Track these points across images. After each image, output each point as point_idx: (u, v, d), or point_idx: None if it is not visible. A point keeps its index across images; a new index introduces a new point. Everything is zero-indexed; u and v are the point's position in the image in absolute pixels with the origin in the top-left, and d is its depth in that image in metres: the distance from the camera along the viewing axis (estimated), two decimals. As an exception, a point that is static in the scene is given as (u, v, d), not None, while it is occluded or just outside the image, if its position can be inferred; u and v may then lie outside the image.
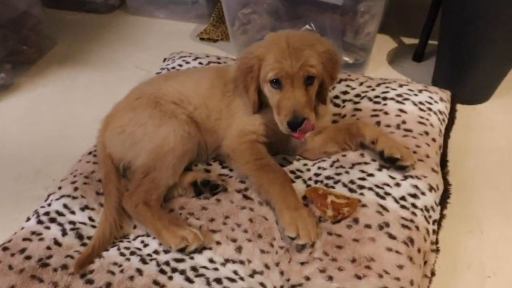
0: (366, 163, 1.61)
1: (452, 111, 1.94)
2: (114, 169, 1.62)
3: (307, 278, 1.34)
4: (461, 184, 1.81)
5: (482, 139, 2.06)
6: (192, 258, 1.42)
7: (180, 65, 2.23)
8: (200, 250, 1.42)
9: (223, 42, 2.80)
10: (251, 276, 1.38)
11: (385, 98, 1.86)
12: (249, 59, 1.56)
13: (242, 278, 1.37)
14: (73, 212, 1.56)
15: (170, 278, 1.36)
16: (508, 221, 1.71)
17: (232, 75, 1.66)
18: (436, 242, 1.50)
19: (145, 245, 1.48)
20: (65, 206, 1.57)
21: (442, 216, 1.57)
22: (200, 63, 2.23)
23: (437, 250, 1.48)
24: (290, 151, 1.76)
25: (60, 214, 1.55)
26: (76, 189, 1.63)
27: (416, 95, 1.86)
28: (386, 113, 1.79)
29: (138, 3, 3.13)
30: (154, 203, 1.52)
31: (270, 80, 1.51)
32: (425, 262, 1.43)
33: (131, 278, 1.35)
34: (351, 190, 1.53)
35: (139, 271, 1.37)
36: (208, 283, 1.34)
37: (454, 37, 2.13)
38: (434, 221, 1.53)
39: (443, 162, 1.75)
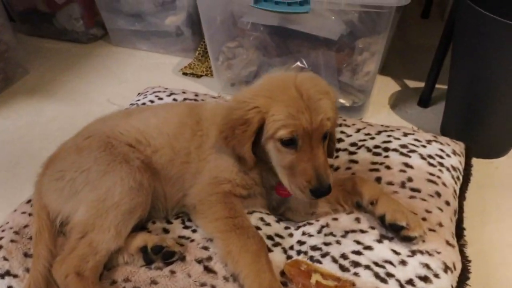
0: (362, 231, 1.27)
1: (467, 167, 1.62)
2: (49, 225, 1.33)
3: None
4: (481, 257, 1.46)
5: (502, 200, 1.73)
6: None
7: (152, 101, 1.95)
8: None
9: (207, 78, 2.54)
10: None
11: (386, 149, 1.55)
12: (244, 111, 1.25)
13: None
14: (-12, 279, 1.23)
15: None
16: None
17: (218, 122, 1.35)
18: None
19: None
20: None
21: (461, 304, 1.22)
22: (174, 99, 1.95)
23: None
24: (270, 209, 1.44)
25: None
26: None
27: (424, 146, 1.55)
28: (388, 167, 1.48)
29: (121, 34, 2.91)
30: (90, 273, 1.20)
31: (281, 139, 1.22)
32: None
33: None
34: (342, 268, 1.19)
35: None
36: None
37: (466, 82, 1.85)
38: (452, 312, 1.17)
39: (459, 231, 1.41)
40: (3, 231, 1.40)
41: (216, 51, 2.27)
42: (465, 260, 1.32)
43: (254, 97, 1.27)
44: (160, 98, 1.96)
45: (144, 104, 1.94)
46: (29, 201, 1.51)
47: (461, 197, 1.52)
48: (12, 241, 1.35)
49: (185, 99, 1.95)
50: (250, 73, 2.22)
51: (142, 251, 1.28)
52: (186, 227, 1.40)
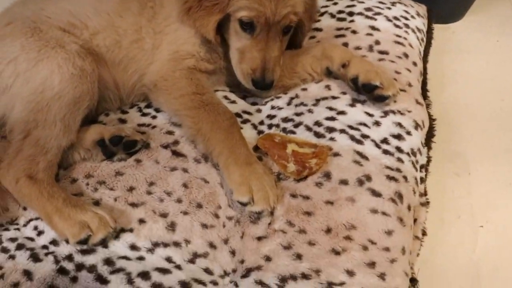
0: (334, 98, 1.23)
1: (430, 30, 1.58)
2: None
3: (267, 258, 0.99)
4: (442, 118, 1.50)
5: (459, 63, 1.76)
6: (106, 246, 1.02)
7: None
8: (110, 239, 1.02)
9: None
10: (192, 261, 1.02)
11: (351, 14, 1.46)
12: None
13: (179, 267, 1.01)
14: None
15: (74, 279, 0.97)
16: (495, 158, 1.45)
17: None
18: (425, 193, 1.19)
19: (39, 233, 1.07)
20: None
21: (429, 160, 1.26)
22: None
23: (426, 203, 1.17)
24: (235, 86, 1.35)
25: None
26: None
27: (389, 8, 1.48)
28: (354, 31, 1.40)
29: None
30: (43, 175, 1.09)
31: (241, 19, 1.17)
32: (415, 220, 1.12)
33: (15, 286, 0.96)
34: (317, 135, 1.16)
35: (28, 274, 0.98)
36: (130, 281, 0.96)
37: None
38: (421, 167, 1.21)
39: (424, 92, 1.41)
40: None
41: None
42: (430, 118, 1.35)
43: None
44: None
45: None
46: None
47: (425, 60, 1.50)
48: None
49: None
50: None
51: (100, 144, 1.17)
52: (144, 114, 1.29)
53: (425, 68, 1.47)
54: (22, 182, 1.07)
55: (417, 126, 1.20)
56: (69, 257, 1.00)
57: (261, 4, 1.12)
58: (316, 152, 1.09)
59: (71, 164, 1.18)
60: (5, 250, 1.03)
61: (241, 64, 1.21)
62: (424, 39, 1.51)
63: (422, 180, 1.20)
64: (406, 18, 1.46)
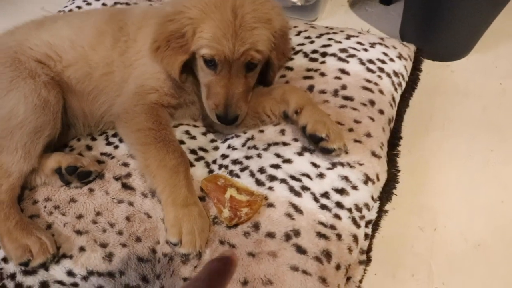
0: (285, 144, 1.21)
1: (415, 72, 1.50)
2: None
3: None
4: (417, 166, 1.43)
5: (452, 107, 1.65)
6: (47, 269, 1.09)
7: (79, 7, 1.75)
8: (50, 264, 1.08)
9: None
10: None
11: (324, 54, 1.42)
12: (179, 20, 1.19)
13: (108, 297, 1.04)
14: None
15: (9, 299, 1.03)
16: (469, 214, 1.35)
17: (152, 28, 1.25)
18: (368, 250, 1.15)
19: (-4, 249, 1.14)
20: None
21: (382, 213, 1.21)
22: (104, 4, 1.75)
23: (367, 261, 1.13)
24: (201, 119, 1.39)
25: None
26: None
27: (366, 50, 1.42)
28: (322, 74, 1.36)
29: None
30: (4, 196, 1.17)
31: (203, 57, 1.20)
32: (348, 279, 1.08)
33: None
34: (258, 182, 1.15)
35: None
36: (59, 305, 1.01)
37: None
38: (368, 223, 1.16)
39: (395, 141, 1.35)
40: None
41: None
42: (394, 170, 1.30)
43: (190, 8, 1.18)
44: (89, 3, 1.77)
45: (70, 10, 1.75)
46: None
47: (403, 105, 1.44)
48: None
49: (115, 3, 1.75)
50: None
51: (57, 172, 1.23)
52: (109, 143, 1.34)
53: (400, 114, 1.41)
54: None
55: (367, 180, 1.16)
56: (12, 276, 1.09)
57: (219, 43, 1.15)
58: (250, 201, 1.09)
59: (35, 186, 1.25)
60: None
61: (208, 100, 1.24)
62: (403, 83, 1.43)
63: (367, 236, 1.16)
64: (383, 61, 1.40)
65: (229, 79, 1.20)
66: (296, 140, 1.22)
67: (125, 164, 1.26)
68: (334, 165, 1.16)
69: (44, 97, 1.22)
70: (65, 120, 1.34)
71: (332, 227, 1.06)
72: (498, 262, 1.24)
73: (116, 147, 1.33)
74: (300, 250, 1.02)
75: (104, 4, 1.75)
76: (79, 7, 1.76)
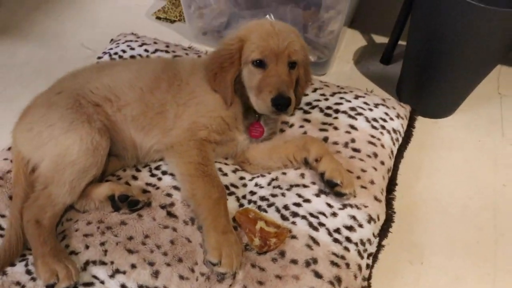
0: (304, 186, 1.48)
1: (409, 129, 1.81)
2: (24, 169, 1.47)
3: None
4: (409, 209, 1.71)
5: (438, 158, 1.94)
6: (102, 282, 1.30)
7: (124, 51, 2.02)
8: None
9: (180, 24, 2.57)
10: None
11: (337, 111, 1.71)
12: (229, 43, 1.48)
13: (154, 308, 1.25)
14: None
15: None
16: (451, 251, 1.62)
17: (205, 62, 1.56)
18: (369, 278, 1.40)
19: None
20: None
21: (380, 247, 1.47)
22: (146, 50, 2.03)
23: (368, 287, 1.38)
24: (232, 156, 1.63)
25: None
26: (-14, 192, 1.48)
27: (371, 110, 1.72)
28: (335, 128, 1.65)
29: None
30: (47, 222, 1.37)
31: (253, 60, 1.44)
32: (353, 301, 1.34)
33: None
34: (283, 217, 1.41)
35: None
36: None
37: (423, 42, 1.95)
38: (369, 255, 1.42)
39: (391, 187, 1.63)
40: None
41: (188, 0, 2.29)
42: (391, 211, 1.56)
43: (238, 32, 1.49)
44: (132, 48, 2.03)
45: (116, 54, 2.01)
46: (9, 148, 1.64)
47: (399, 156, 1.73)
48: (-3, 184, 1.49)
49: (156, 50, 2.03)
50: (221, 23, 2.28)
51: (110, 199, 1.44)
52: (152, 175, 1.58)
53: (396, 165, 1.69)
54: (31, 224, 1.34)
55: (370, 220, 1.42)
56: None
57: (266, 41, 1.42)
58: (278, 232, 1.34)
59: (88, 210, 1.46)
60: (29, 272, 1.31)
61: (260, 94, 1.42)
62: (400, 139, 1.73)
63: (368, 266, 1.41)
64: (385, 120, 1.70)
65: (277, 70, 1.42)
66: (314, 183, 1.48)
67: (169, 195, 1.49)
68: (344, 206, 1.42)
69: (97, 141, 1.43)
70: (115, 152, 1.56)
71: (343, 257, 1.32)
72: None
73: (160, 179, 1.56)
74: (318, 275, 1.26)
75: (146, 50, 2.02)
76: (123, 51, 2.02)
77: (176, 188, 1.51)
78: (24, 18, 2.66)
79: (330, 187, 1.42)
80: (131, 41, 2.08)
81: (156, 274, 1.31)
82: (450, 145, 1.99)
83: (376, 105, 1.74)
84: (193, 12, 2.31)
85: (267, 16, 2.12)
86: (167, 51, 2.03)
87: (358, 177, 1.49)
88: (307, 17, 2.05)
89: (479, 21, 1.69)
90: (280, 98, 1.37)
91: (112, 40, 2.19)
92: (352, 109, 1.71)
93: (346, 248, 1.34)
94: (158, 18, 2.62)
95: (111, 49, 2.06)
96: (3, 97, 2.18)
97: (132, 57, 2.00)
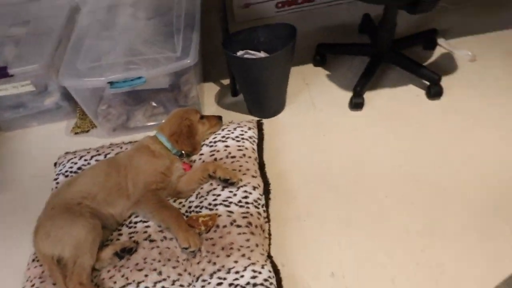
0: (215, 188, 2.50)
1: (260, 131, 3.02)
2: (54, 262, 2.04)
3: (203, 269, 2.02)
4: (279, 175, 2.60)
5: (285, 139, 2.77)
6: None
7: (71, 167, 2.93)
8: None
9: (94, 130, 3.12)
10: (173, 284, 2.03)
11: (215, 142, 2.85)
12: (184, 120, 2.62)
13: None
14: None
15: None
16: (313, 197, 2.47)
17: (169, 132, 2.58)
18: (268, 216, 2.54)
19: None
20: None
21: (268, 200, 2.63)
22: (85, 159, 2.90)
23: (268, 220, 2.52)
24: (171, 195, 2.44)
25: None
26: (37, 289, 2.17)
27: (232, 132, 2.83)
28: (218, 151, 2.74)
29: (9, 121, 3.39)
30: (86, 281, 1.98)
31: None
32: (264, 230, 2.47)
33: None
34: (210, 210, 2.42)
35: None
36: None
37: (242, 79, 2.83)
38: (262, 205, 2.53)
39: (262, 166, 2.82)
40: (31, 281, 2.11)
41: (93, 114, 3.24)
42: (266, 181, 2.69)
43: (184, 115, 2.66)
44: (75, 163, 2.77)
45: (67, 171, 2.79)
46: (33, 260, 2.21)
47: (260, 149, 2.89)
48: (41, 281, 2.08)
49: (92, 157, 2.86)
50: (123, 120, 3.27)
51: (115, 254, 2.10)
52: (130, 227, 2.32)
53: (261, 153, 2.86)
54: (77, 286, 1.91)
55: (255, 188, 2.49)
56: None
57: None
58: (211, 217, 2.37)
59: (104, 267, 2.12)
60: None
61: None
62: (256, 139, 2.89)
63: (264, 211, 2.53)
64: (242, 134, 2.79)
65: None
66: (219, 185, 2.50)
67: (145, 232, 2.43)
68: (238, 188, 2.43)
69: (92, 222, 2.06)
70: (103, 225, 2.14)
71: (248, 212, 2.33)
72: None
73: (134, 227, 2.41)
74: (238, 226, 2.30)
75: (85, 160, 2.87)
76: (71, 167, 2.93)
77: (147, 226, 2.26)
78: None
79: (226, 182, 2.50)
80: (72, 158, 2.99)
81: (160, 273, 2.15)
82: (288, 129, 2.83)
83: (235, 128, 2.82)
84: (100, 120, 3.30)
85: (152, 103, 3.21)
86: (99, 154, 3.00)
87: (240, 170, 2.57)
88: (175, 95, 3.12)
89: (255, 65, 2.68)
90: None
91: (55, 163, 3.02)
92: (223, 137, 2.74)
93: (247, 207, 2.41)
94: (76, 133, 3.37)
95: (61, 170, 2.78)
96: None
97: (80, 169, 2.74)
